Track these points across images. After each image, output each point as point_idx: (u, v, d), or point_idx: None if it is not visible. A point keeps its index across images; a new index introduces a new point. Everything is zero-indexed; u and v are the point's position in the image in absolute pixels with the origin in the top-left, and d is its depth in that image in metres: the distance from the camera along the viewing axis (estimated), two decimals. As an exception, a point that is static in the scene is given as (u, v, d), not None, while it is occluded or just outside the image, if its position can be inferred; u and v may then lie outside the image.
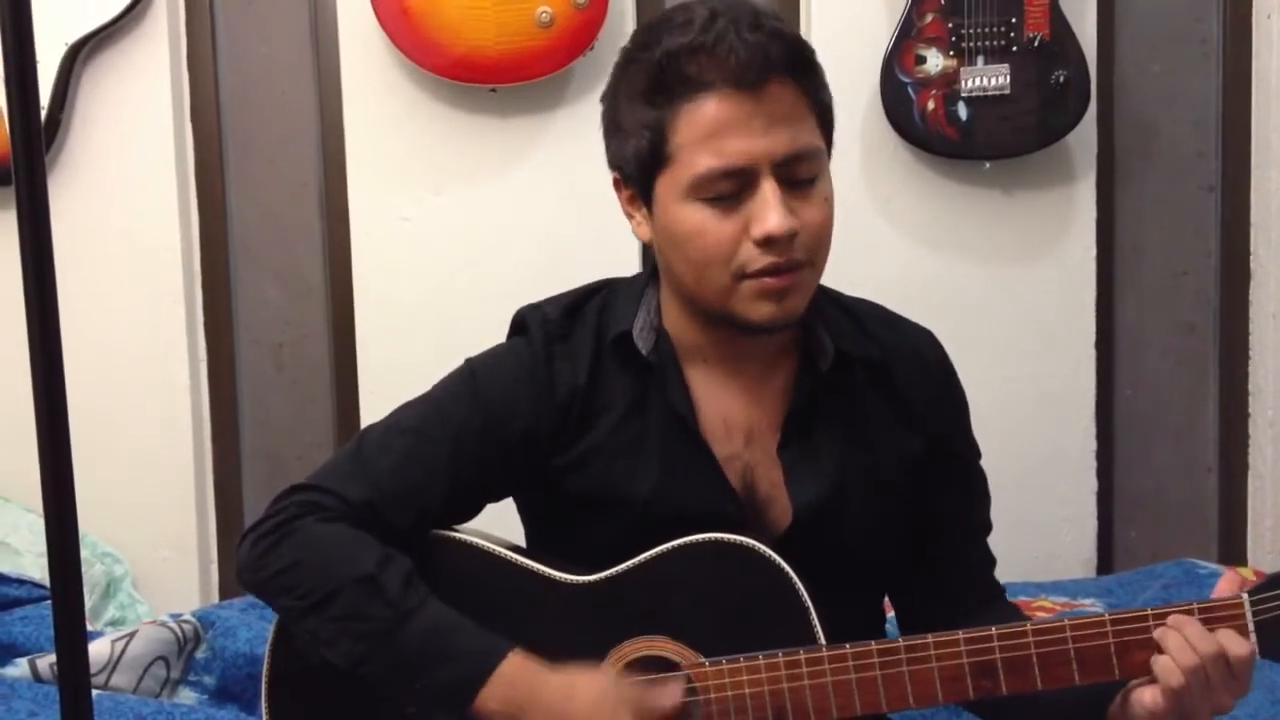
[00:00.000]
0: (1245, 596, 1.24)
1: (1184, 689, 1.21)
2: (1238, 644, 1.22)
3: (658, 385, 1.37)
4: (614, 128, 1.35)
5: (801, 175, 1.28)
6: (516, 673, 1.26)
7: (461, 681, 1.26)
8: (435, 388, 1.42)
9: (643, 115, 1.29)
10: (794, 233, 1.26)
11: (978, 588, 1.48)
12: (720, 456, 1.37)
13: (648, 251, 1.42)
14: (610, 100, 1.36)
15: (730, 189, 1.27)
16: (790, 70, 1.27)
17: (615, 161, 1.37)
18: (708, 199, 1.27)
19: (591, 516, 1.38)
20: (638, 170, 1.32)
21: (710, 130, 1.26)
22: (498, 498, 1.44)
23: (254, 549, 1.35)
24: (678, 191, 1.28)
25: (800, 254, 1.28)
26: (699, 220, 1.28)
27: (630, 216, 1.38)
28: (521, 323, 1.42)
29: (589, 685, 1.26)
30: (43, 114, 2.48)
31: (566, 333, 1.39)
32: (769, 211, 1.25)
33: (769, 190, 1.26)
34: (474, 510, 1.42)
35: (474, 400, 1.37)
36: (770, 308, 1.29)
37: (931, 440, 1.43)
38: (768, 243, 1.26)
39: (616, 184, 1.38)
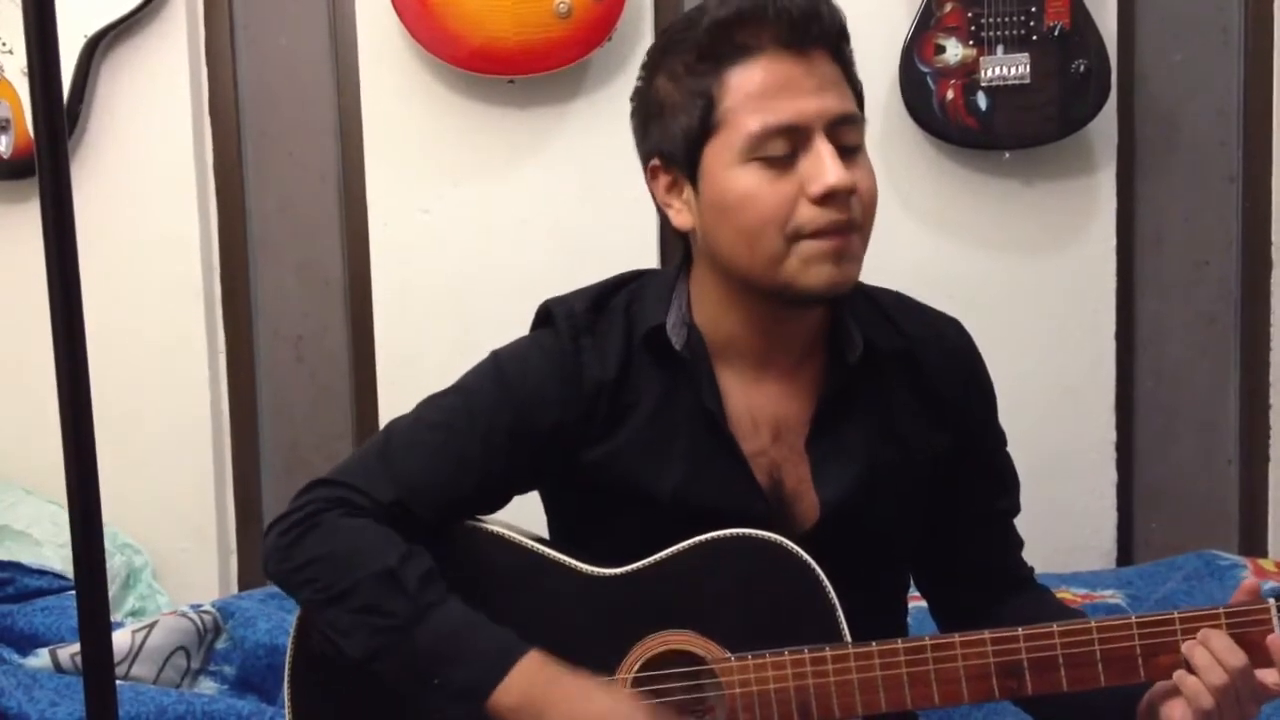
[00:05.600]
0: (1272, 601, 1.23)
1: (1214, 709, 1.20)
2: None
3: (687, 381, 1.35)
4: (652, 111, 1.33)
5: (849, 142, 1.27)
6: (533, 672, 1.25)
7: (478, 679, 1.25)
8: (461, 381, 1.41)
9: (689, 85, 1.28)
10: (853, 188, 1.25)
11: (1008, 571, 1.48)
12: (747, 453, 1.35)
13: (669, 244, 1.40)
14: (645, 86, 1.34)
15: (784, 149, 1.25)
16: (832, 42, 1.28)
17: (655, 146, 1.34)
18: (762, 159, 1.25)
19: (618, 511, 1.37)
20: (684, 145, 1.30)
21: (762, 91, 1.25)
22: (525, 490, 1.43)
23: (280, 540, 1.34)
24: (729, 156, 1.26)
25: (856, 214, 1.27)
26: (752, 183, 1.26)
27: (668, 206, 1.35)
28: (547, 315, 1.40)
29: (606, 693, 1.26)
30: (62, 106, 2.48)
31: (593, 325, 1.37)
32: (827, 166, 1.24)
33: (824, 148, 1.24)
34: (502, 503, 1.41)
35: (503, 393, 1.36)
36: (828, 270, 1.26)
37: (960, 431, 1.42)
38: (827, 199, 1.24)
39: (654, 171, 1.35)
